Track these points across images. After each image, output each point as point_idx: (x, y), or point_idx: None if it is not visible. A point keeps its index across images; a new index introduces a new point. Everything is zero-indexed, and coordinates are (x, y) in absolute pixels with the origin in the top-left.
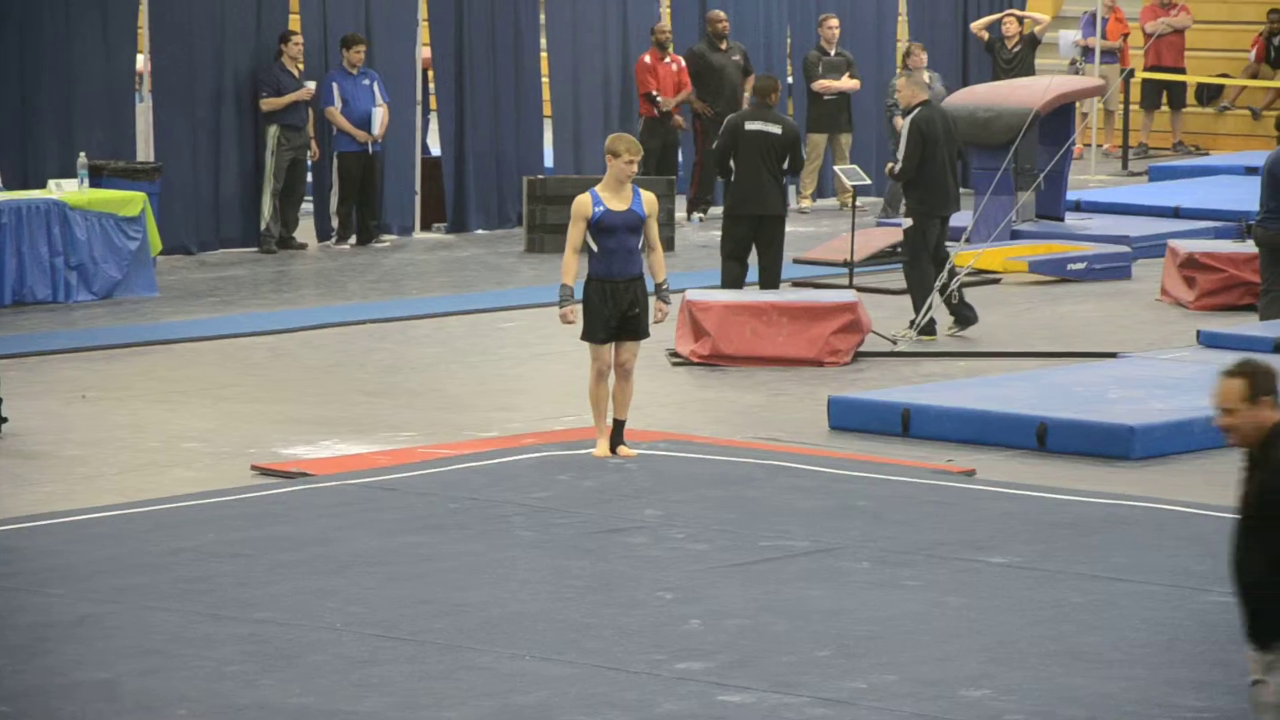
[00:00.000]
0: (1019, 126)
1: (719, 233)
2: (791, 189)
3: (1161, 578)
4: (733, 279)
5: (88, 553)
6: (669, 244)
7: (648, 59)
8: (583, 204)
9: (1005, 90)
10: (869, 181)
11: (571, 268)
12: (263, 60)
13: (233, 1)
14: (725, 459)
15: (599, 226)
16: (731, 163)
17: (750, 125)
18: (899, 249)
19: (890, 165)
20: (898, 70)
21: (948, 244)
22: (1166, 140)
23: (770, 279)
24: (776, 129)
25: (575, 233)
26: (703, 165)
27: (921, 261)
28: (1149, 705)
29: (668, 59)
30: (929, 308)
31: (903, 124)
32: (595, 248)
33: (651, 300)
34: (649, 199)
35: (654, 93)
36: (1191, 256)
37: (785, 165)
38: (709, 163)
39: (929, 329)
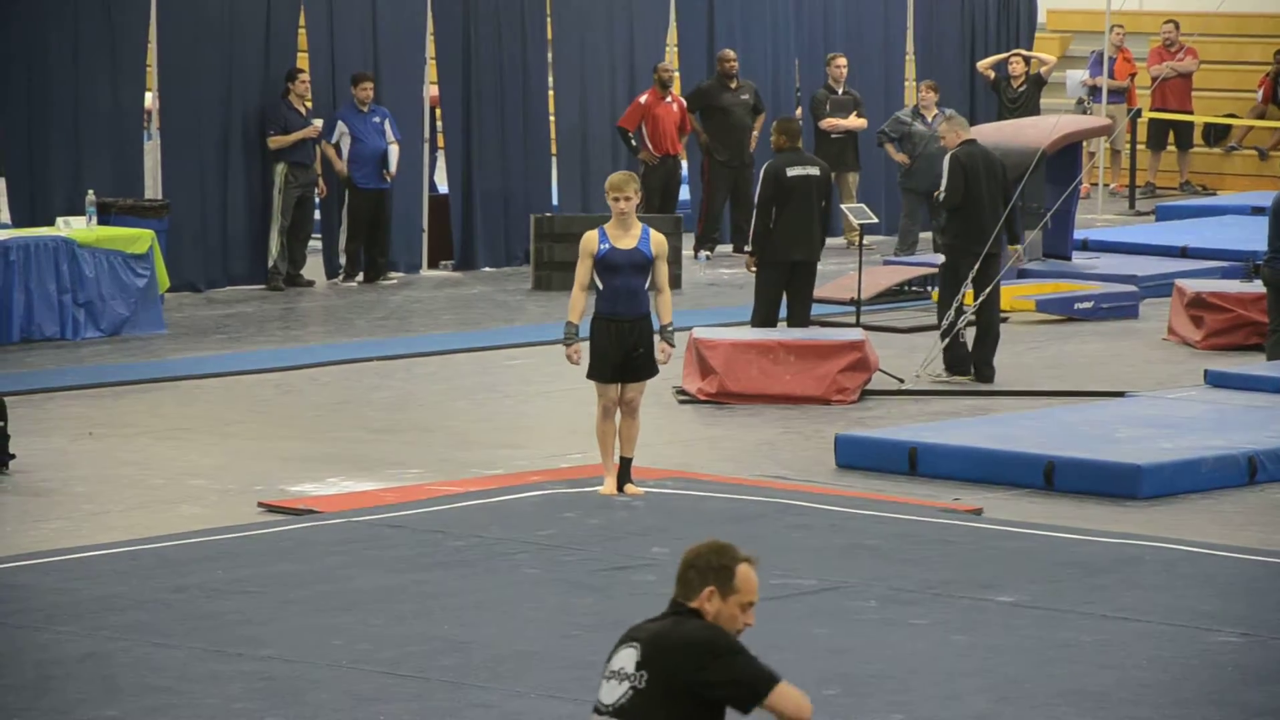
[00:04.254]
0: (1026, 165)
1: (725, 271)
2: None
3: (1169, 617)
4: (765, 322)
5: (94, 590)
6: (675, 281)
7: (644, 99)
8: (589, 240)
9: (1012, 129)
10: (876, 220)
11: (578, 305)
12: (270, 98)
13: (241, 39)
14: (732, 497)
15: (604, 264)
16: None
17: (792, 171)
18: (908, 287)
19: (936, 193)
20: (905, 107)
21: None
22: (1174, 180)
23: (802, 321)
24: (815, 170)
25: (583, 269)
26: (709, 203)
27: (951, 299)
28: None
29: (668, 99)
30: (945, 344)
31: (944, 161)
32: (601, 285)
33: (655, 339)
34: (658, 240)
35: (629, 132)
36: (1199, 296)
37: (822, 205)
38: (715, 201)
39: (968, 371)
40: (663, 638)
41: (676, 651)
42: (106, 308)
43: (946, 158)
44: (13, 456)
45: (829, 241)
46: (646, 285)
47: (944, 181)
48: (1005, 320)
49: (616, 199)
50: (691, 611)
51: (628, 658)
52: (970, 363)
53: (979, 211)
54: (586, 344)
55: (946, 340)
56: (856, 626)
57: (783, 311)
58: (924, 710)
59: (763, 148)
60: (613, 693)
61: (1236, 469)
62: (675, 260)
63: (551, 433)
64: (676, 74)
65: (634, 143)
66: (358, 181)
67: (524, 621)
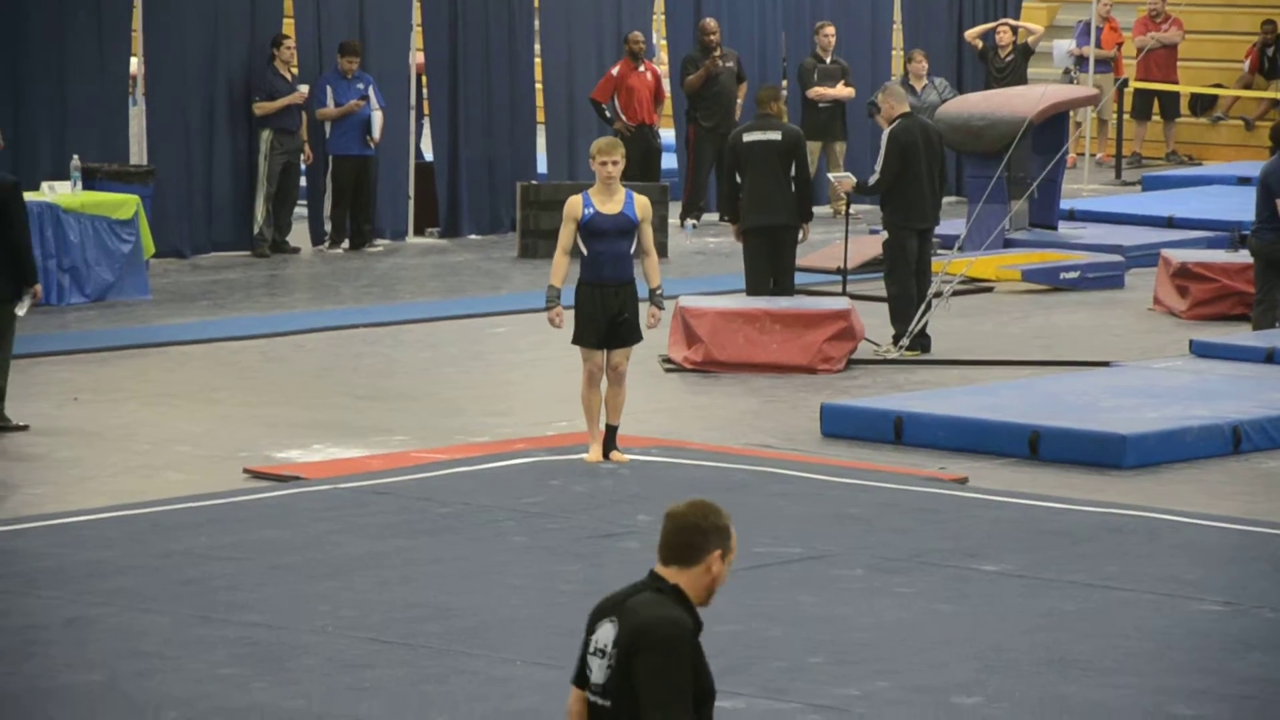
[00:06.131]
0: (1013, 135)
1: (712, 239)
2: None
3: (1153, 586)
4: (757, 290)
5: (79, 555)
6: (662, 250)
7: (616, 70)
8: (573, 205)
9: (999, 99)
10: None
11: (560, 269)
12: (256, 64)
13: (226, 5)
14: (718, 465)
15: (588, 229)
16: (739, 178)
17: (749, 137)
18: None
19: (859, 181)
20: (893, 77)
21: (937, 254)
22: (1160, 150)
23: (782, 289)
24: (776, 135)
25: (565, 234)
26: (694, 172)
27: (900, 274)
28: (1140, 713)
29: (641, 68)
30: (918, 323)
31: (882, 136)
32: (585, 251)
33: (645, 306)
34: (642, 203)
35: (603, 105)
36: (1184, 266)
37: (792, 172)
38: (701, 169)
39: (917, 345)
40: (636, 616)
41: (638, 631)
42: (91, 273)
43: (884, 135)
44: (15, 425)
45: (814, 210)
46: (631, 250)
47: (879, 162)
48: (991, 289)
49: (604, 163)
50: (673, 589)
51: (608, 635)
52: (930, 342)
53: (916, 187)
54: (568, 309)
55: (923, 316)
56: (842, 595)
57: None
58: (909, 678)
59: (747, 115)
60: (600, 671)
61: (1221, 438)
62: (661, 229)
63: (537, 400)
64: (664, 42)
65: (608, 115)
66: (341, 148)
67: (510, 588)
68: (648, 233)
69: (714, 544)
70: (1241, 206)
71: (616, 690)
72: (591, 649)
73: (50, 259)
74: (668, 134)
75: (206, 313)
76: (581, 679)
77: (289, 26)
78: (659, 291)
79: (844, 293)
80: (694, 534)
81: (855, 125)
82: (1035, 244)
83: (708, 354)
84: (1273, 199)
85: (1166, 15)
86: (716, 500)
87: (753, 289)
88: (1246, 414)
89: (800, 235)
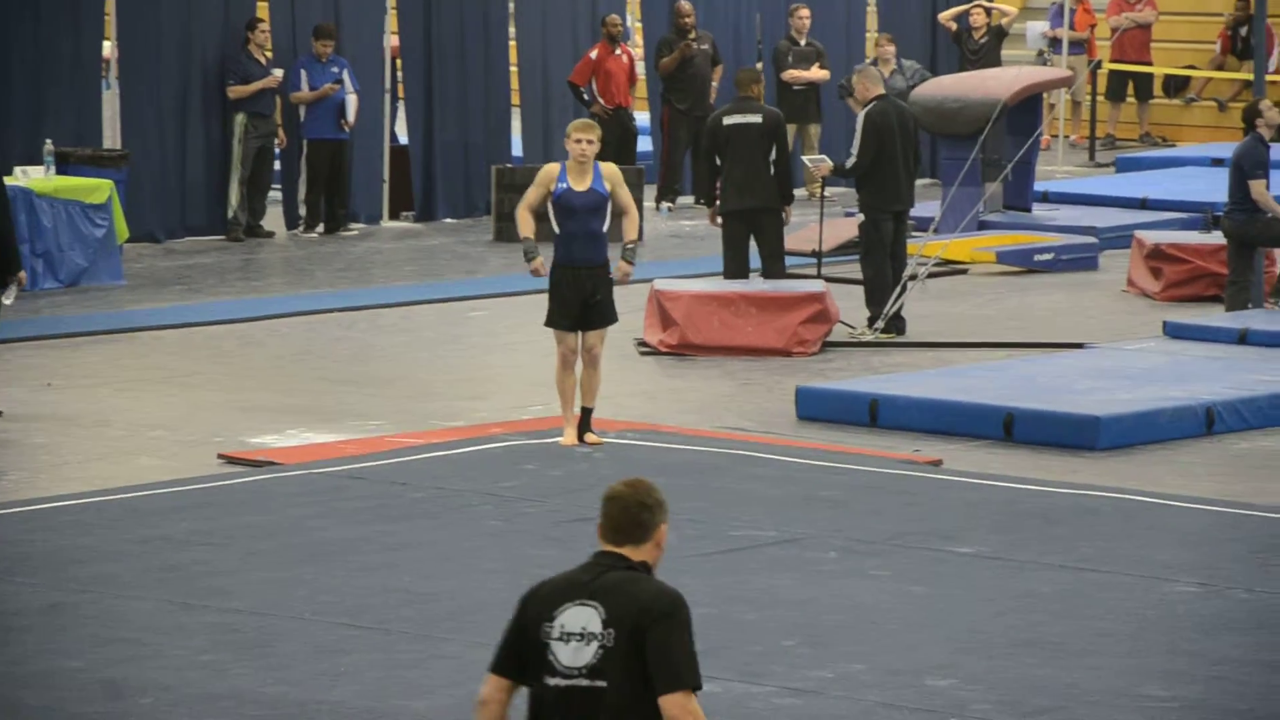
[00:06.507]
0: (987, 117)
1: (687, 222)
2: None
3: (1128, 568)
4: (734, 274)
5: (56, 541)
6: (639, 233)
7: (594, 53)
8: (549, 171)
9: (973, 81)
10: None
11: (527, 222)
12: (230, 47)
13: None
14: (693, 448)
15: (560, 205)
16: (719, 161)
17: (729, 120)
18: None
19: (835, 163)
20: (867, 59)
21: (912, 236)
22: (1134, 131)
23: (771, 273)
24: (757, 118)
25: (534, 194)
26: (669, 154)
27: (875, 256)
28: (1115, 695)
29: (618, 51)
30: (893, 305)
31: (858, 119)
32: (557, 230)
33: (613, 273)
34: (608, 170)
35: (581, 88)
36: (1158, 247)
37: (773, 155)
38: (676, 152)
39: (892, 327)
40: (627, 594)
41: (645, 607)
42: (65, 258)
43: (860, 116)
44: None
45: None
46: (604, 228)
47: (855, 144)
48: (965, 271)
49: (579, 140)
50: (643, 565)
51: (587, 617)
52: (905, 324)
53: (892, 169)
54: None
55: (898, 298)
56: (816, 578)
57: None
58: (883, 660)
59: (722, 98)
60: (580, 654)
61: (1194, 420)
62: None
63: (513, 384)
64: (639, 25)
65: (585, 97)
66: (316, 132)
67: (486, 573)
68: (622, 194)
69: (659, 518)
70: (1215, 188)
71: (619, 668)
72: (557, 634)
73: (23, 244)
74: (642, 117)
75: (180, 297)
76: (517, 669)
77: (263, 10)
78: (631, 246)
79: (819, 275)
80: (642, 511)
81: (830, 108)
82: (1009, 226)
83: (683, 337)
84: (1245, 180)
85: None
86: (693, 483)
87: (730, 272)
88: (1220, 395)
89: (784, 218)
